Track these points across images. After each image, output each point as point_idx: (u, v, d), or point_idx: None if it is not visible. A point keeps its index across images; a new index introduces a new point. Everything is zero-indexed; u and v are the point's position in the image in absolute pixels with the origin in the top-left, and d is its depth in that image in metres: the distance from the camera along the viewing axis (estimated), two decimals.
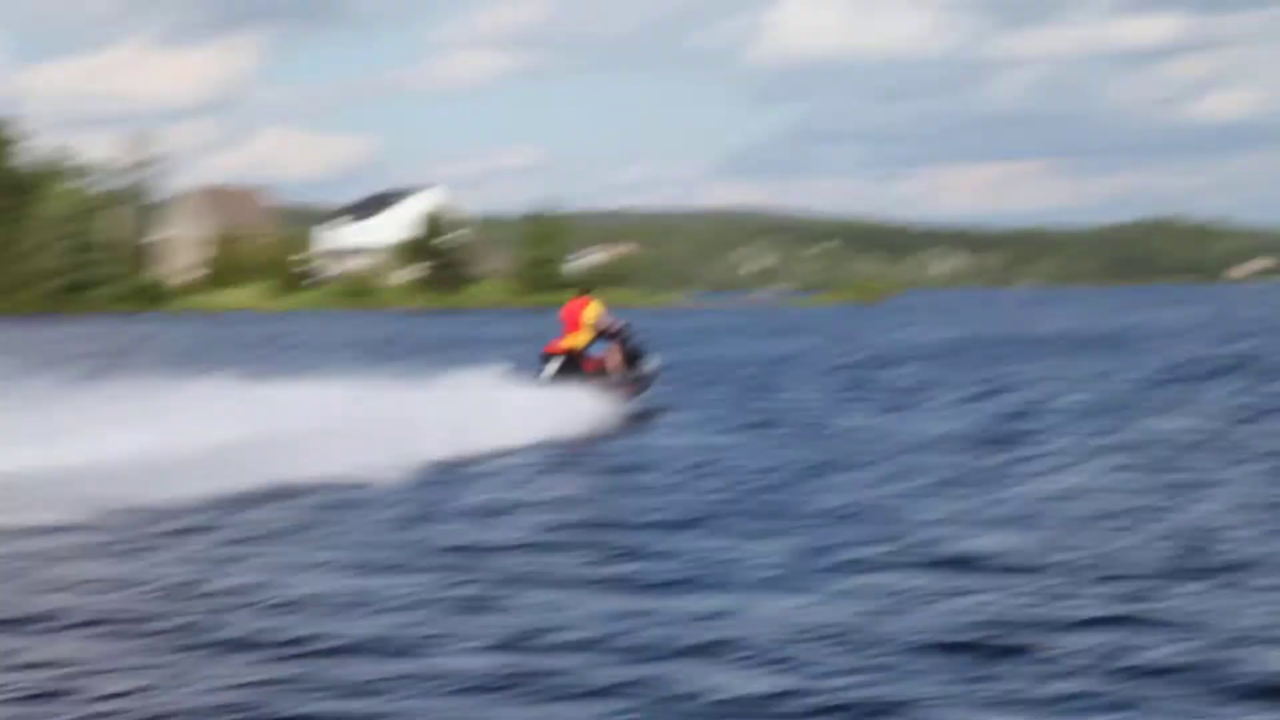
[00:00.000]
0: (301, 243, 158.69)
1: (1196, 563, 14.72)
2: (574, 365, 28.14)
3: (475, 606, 13.14)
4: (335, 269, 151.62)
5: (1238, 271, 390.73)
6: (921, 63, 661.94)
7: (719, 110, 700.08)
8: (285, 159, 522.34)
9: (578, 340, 28.47)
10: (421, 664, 11.41)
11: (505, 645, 11.81)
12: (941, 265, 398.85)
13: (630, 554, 15.34)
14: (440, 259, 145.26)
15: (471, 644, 11.87)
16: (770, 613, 12.70)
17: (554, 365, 28.12)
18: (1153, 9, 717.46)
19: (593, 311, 28.63)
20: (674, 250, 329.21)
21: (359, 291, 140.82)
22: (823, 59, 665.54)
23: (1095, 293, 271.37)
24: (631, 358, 29.12)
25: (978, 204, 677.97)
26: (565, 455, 24.00)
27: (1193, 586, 13.57)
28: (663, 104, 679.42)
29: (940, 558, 15.02)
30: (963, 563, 14.76)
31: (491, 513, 18.23)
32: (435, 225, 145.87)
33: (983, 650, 11.50)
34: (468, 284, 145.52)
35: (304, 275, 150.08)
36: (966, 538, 16.04)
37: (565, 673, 11.06)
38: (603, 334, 28.77)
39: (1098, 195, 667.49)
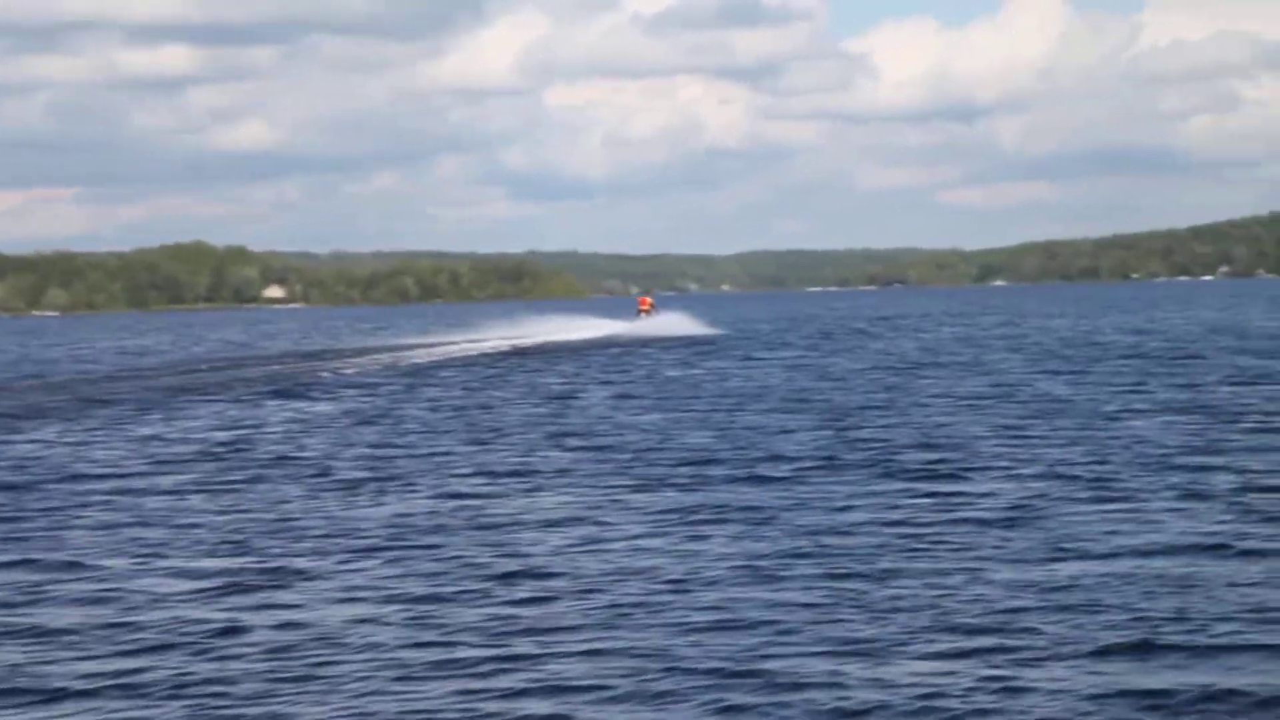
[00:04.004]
0: None
1: None
2: (647, 314, 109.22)
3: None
4: None
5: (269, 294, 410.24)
6: None
7: None
8: None
9: (646, 307, 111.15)
10: None
11: None
12: None
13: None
14: None
15: None
16: None
17: (644, 314, 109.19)
18: (165, 39, 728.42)
19: (647, 298, 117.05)
20: None
21: None
22: None
23: (119, 318, 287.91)
24: (653, 311, 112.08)
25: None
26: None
27: None
28: None
29: None
30: None
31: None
32: None
33: None
34: None
35: None
36: None
37: None
38: (649, 306, 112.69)
39: (122, 222, 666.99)
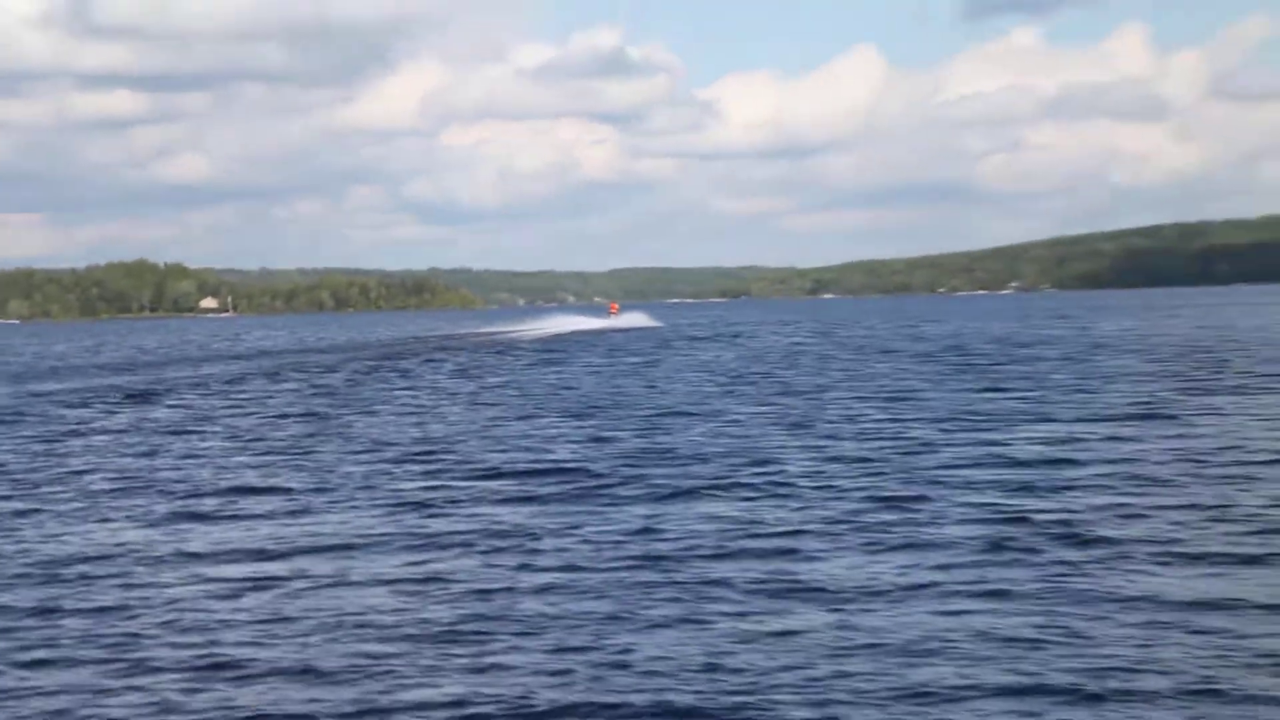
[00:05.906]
0: None
1: None
2: (615, 315, 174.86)
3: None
4: None
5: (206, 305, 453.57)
6: None
7: None
8: None
9: (615, 310, 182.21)
10: None
11: None
12: None
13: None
14: None
15: None
16: None
17: (614, 315, 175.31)
18: (113, 85, 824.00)
19: (615, 304, 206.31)
20: None
21: None
22: None
23: (72, 326, 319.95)
24: (619, 313, 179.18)
25: None
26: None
27: None
28: None
29: None
30: None
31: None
32: None
33: None
34: None
35: None
36: None
37: None
38: (617, 309, 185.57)
39: (79, 242, 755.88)
